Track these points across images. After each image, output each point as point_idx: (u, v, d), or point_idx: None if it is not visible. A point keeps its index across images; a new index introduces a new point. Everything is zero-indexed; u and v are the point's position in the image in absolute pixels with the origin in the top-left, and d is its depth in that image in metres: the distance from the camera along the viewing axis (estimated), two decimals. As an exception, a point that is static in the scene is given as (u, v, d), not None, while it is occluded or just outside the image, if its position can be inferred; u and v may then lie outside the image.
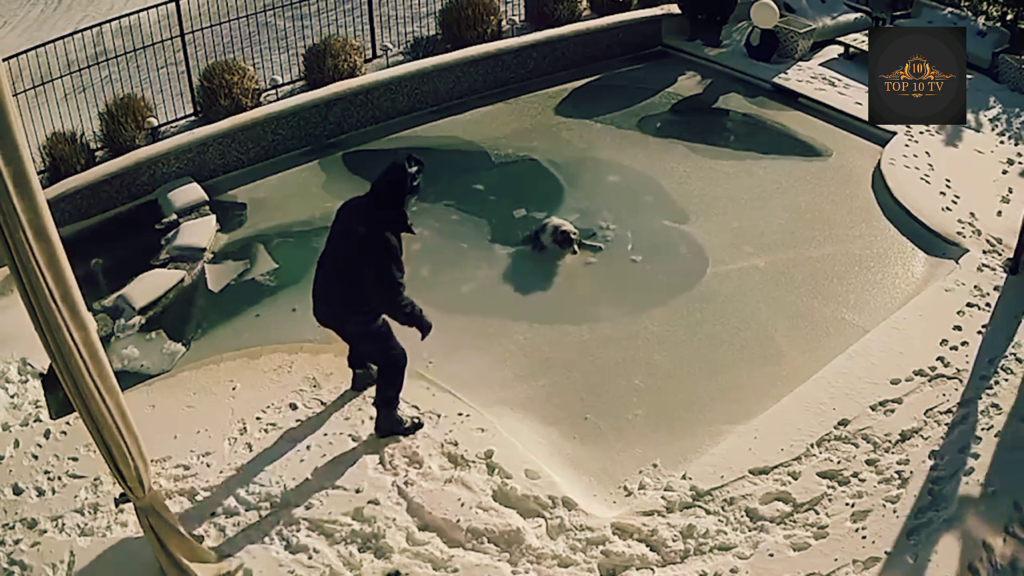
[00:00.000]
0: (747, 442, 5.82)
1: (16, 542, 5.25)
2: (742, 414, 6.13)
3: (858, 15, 11.28)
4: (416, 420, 5.98)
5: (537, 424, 6.16)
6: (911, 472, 5.54)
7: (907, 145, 9.03)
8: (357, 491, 5.51)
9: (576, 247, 7.66)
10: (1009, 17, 10.51)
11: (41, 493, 5.57)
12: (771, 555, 5.10)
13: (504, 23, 10.76)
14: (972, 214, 7.94)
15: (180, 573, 4.79)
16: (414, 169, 5.27)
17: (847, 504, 5.37)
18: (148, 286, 7.50)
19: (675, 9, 11.27)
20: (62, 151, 8.46)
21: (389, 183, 5.28)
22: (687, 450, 5.91)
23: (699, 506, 5.42)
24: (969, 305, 6.90)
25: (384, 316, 5.61)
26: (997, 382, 6.17)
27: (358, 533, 5.26)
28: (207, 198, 8.61)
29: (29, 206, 3.72)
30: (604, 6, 11.16)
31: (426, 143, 9.57)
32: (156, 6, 9.51)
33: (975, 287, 7.08)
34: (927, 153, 8.93)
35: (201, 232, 8.15)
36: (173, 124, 9.27)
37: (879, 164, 8.78)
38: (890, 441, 5.76)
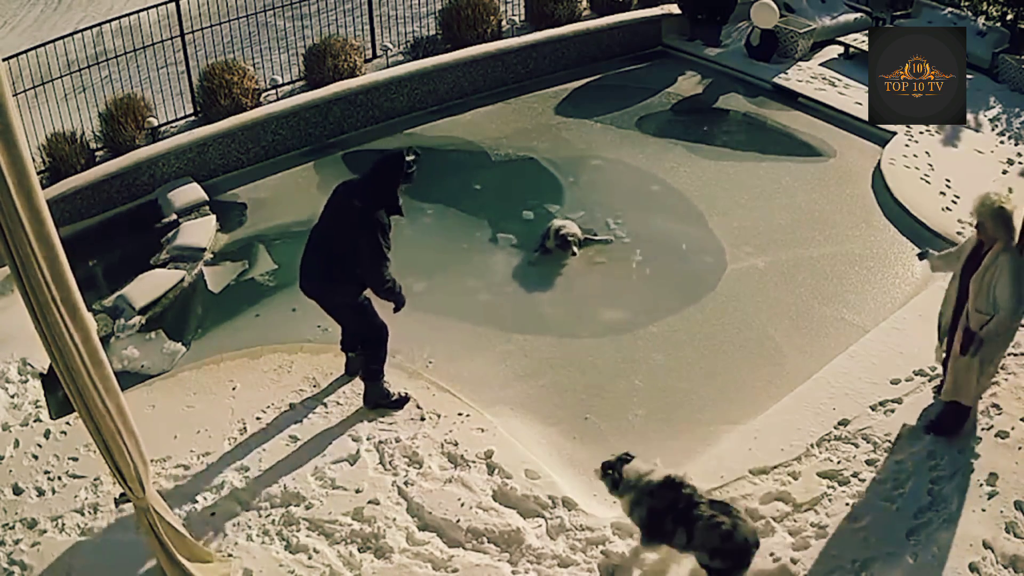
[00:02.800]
0: (747, 442, 5.82)
1: (16, 542, 5.25)
2: (742, 414, 6.13)
3: (858, 15, 11.27)
4: (403, 394, 6.14)
5: (537, 424, 6.16)
6: (911, 472, 5.54)
7: (907, 145, 9.03)
8: (357, 491, 5.51)
9: (575, 249, 7.66)
10: (1009, 17, 10.51)
11: (41, 493, 5.57)
12: (771, 555, 5.10)
13: (504, 23, 10.76)
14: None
15: (180, 573, 4.79)
16: (411, 158, 5.69)
17: (847, 504, 5.37)
18: (148, 286, 7.51)
19: (675, 9, 11.27)
20: (62, 151, 8.47)
21: (387, 168, 5.67)
22: (687, 450, 5.91)
23: (699, 506, 5.41)
24: (969, 305, 6.89)
25: (366, 292, 5.85)
26: (997, 382, 6.15)
27: (358, 533, 5.26)
28: (207, 198, 8.61)
29: (29, 206, 3.72)
30: (604, 6, 11.16)
31: (426, 143, 9.57)
32: (156, 6, 9.52)
33: (975, 287, 7.07)
34: (927, 153, 8.93)
35: (201, 232, 8.15)
36: (173, 124, 9.27)
37: (879, 164, 8.78)
38: (890, 441, 5.76)
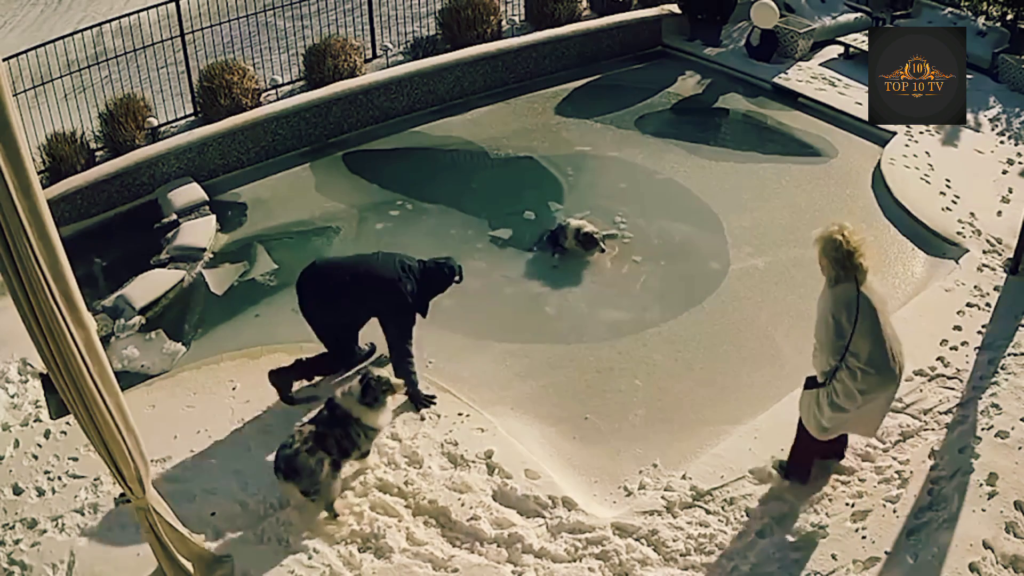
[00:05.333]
0: (747, 442, 5.82)
1: (16, 542, 5.26)
2: (742, 414, 6.13)
3: (858, 15, 11.28)
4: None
5: (537, 424, 6.16)
6: (911, 472, 5.53)
7: (907, 145, 9.04)
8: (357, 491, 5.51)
9: (603, 245, 7.68)
10: (1009, 17, 10.51)
11: (41, 493, 5.57)
12: (771, 555, 5.11)
13: (504, 23, 10.77)
14: (972, 214, 7.94)
15: (180, 572, 4.79)
16: (457, 279, 6.26)
17: (847, 504, 5.37)
18: (148, 286, 7.51)
19: (675, 9, 11.28)
20: (62, 151, 8.47)
21: (439, 279, 6.17)
22: (687, 450, 5.91)
23: (699, 506, 5.42)
24: (969, 305, 6.90)
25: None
26: (997, 382, 6.16)
27: (358, 533, 5.26)
28: (207, 198, 8.61)
29: (29, 207, 3.72)
30: (604, 6, 11.16)
31: (426, 143, 9.58)
32: (156, 6, 9.52)
33: (975, 287, 7.08)
34: (927, 153, 8.93)
35: (201, 232, 8.15)
36: (173, 124, 9.28)
37: (879, 164, 8.78)
38: (890, 441, 5.76)
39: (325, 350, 6.27)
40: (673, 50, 11.25)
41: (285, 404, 6.13)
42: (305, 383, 6.31)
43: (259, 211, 8.60)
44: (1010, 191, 8.36)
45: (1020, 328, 6.64)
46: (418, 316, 6.10)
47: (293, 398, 6.15)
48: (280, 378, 6.17)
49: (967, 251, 7.49)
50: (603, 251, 7.68)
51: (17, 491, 5.58)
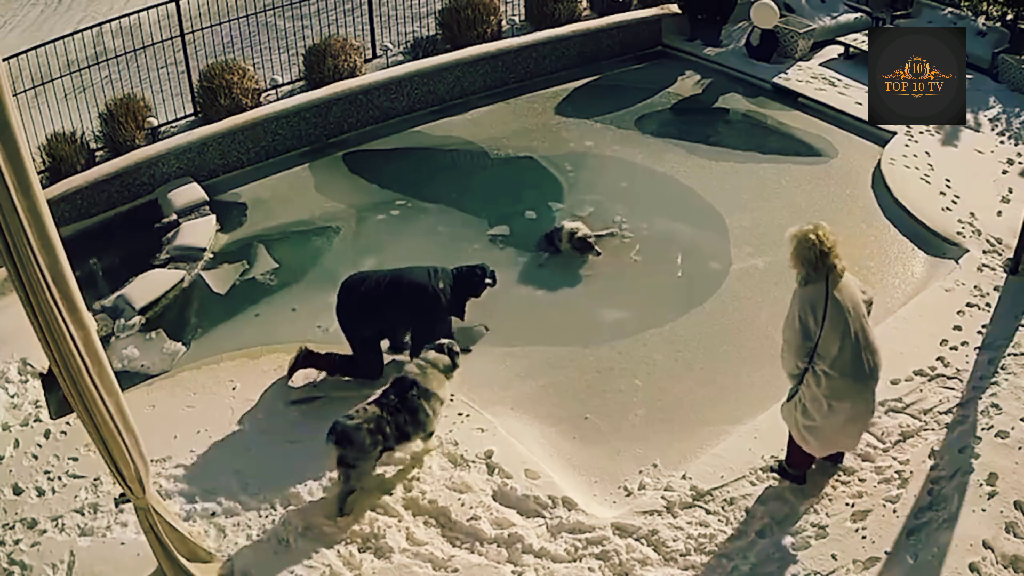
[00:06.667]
0: (747, 442, 5.82)
1: (16, 542, 5.26)
2: (742, 414, 6.13)
3: (858, 15, 11.28)
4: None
5: (537, 424, 6.16)
6: (911, 472, 5.54)
7: (907, 145, 9.03)
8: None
9: (598, 249, 7.67)
10: (1009, 17, 10.51)
11: (41, 493, 5.57)
12: (771, 555, 5.11)
13: (504, 23, 10.77)
14: (972, 214, 7.94)
15: (180, 573, 4.79)
16: (489, 281, 6.72)
17: (847, 504, 5.37)
18: (148, 286, 7.51)
19: (675, 9, 11.28)
20: (62, 151, 8.47)
21: (470, 280, 6.62)
22: (687, 450, 5.91)
23: (699, 506, 5.42)
24: (969, 305, 6.90)
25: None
26: (997, 382, 6.16)
27: (358, 533, 5.26)
28: (207, 198, 8.61)
29: (29, 207, 3.72)
30: (604, 6, 11.16)
31: (426, 143, 9.58)
32: (156, 6, 9.52)
33: (975, 287, 7.08)
34: (927, 153, 8.93)
35: (201, 232, 8.15)
36: (173, 124, 9.28)
37: (879, 164, 8.78)
38: (890, 441, 5.76)
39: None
40: (673, 50, 11.25)
41: (286, 403, 6.13)
42: (311, 382, 6.34)
43: (259, 211, 8.60)
44: (1010, 191, 8.36)
45: (1020, 328, 6.64)
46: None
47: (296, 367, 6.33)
48: (307, 362, 6.31)
49: (967, 251, 7.48)
50: (598, 254, 7.67)
51: (17, 491, 5.58)
